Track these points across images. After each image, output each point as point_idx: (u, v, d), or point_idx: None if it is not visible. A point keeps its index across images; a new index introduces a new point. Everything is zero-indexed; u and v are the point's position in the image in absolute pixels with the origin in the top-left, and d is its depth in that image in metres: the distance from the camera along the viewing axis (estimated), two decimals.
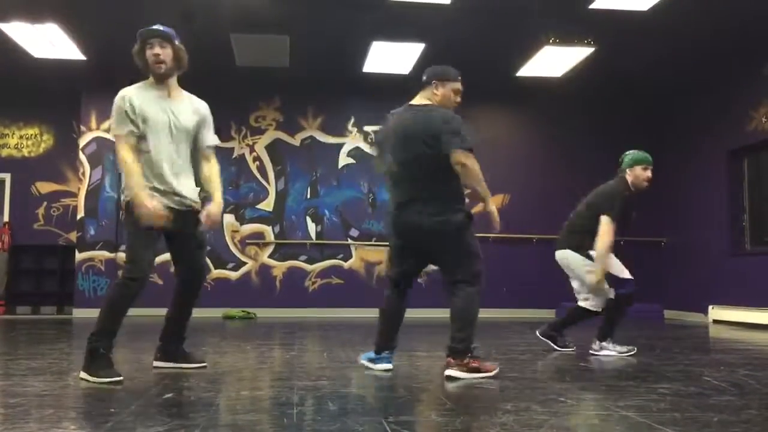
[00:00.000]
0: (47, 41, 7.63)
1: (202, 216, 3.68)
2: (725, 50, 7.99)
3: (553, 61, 8.26)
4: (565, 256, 4.88)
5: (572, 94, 9.44)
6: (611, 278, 4.68)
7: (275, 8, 6.84)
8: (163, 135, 3.56)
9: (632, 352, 4.69)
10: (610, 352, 4.69)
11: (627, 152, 4.85)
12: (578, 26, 7.27)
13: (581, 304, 4.85)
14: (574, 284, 4.91)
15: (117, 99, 3.55)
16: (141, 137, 3.53)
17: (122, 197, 3.63)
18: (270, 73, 8.78)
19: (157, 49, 3.57)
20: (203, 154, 3.79)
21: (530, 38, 7.64)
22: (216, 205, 3.73)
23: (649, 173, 4.72)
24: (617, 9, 6.74)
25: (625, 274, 4.69)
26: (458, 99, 3.92)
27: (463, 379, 3.52)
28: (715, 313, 8.30)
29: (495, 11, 6.93)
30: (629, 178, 4.73)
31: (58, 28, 7.27)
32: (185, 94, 3.77)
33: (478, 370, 3.56)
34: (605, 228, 4.54)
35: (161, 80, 3.62)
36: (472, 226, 3.68)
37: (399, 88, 9.62)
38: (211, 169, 3.82)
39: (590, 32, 7.45)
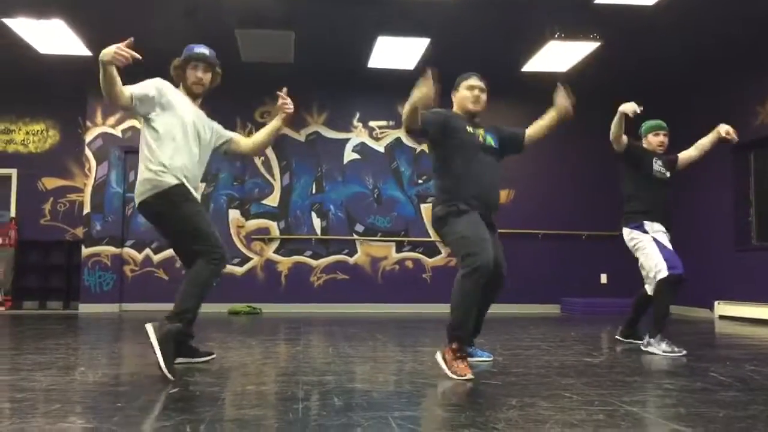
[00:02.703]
0: (53, 37, 7.65)
1: (278, 121, 4.22)
2: (731, 45, 7.96)
3: (559, 56, 8.23)
4: (624, 236, 5.01)
5: (578, 89, 9.37)
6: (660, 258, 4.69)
7: (280, 4, 6.84)
8: (190, 131, 3.73)
9: (679, 354, 4.50)
10: (654, 349, 4.59)
11: (644, 122, 5.18)
12: (584, 21, 7.24)
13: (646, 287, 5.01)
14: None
15: (157, 80, 3.72)
16: (169, 129, 3.67)
17: (150, 186, 3.64)
18: (275, 69, 8.77)
19: (201, 73, 3.82)
20: (235, 142, 4.17)
21: (535, 33, 7.63)
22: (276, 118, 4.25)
23: (660, 138, 5.05)
24: (623, 4, 6.71)
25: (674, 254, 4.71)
26: (476, 93, 3.95)
27: (437, 362, 3.64)
28: (721, 308, 8.29)
29: (500, 6, 6.92)
30: (646, 146, 5.11)
31: (63, 24, 7.29)
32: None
33: (445, 362, 3.56)
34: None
35: (193, 98, 3.87)
36: (455, 217, 3.72)
37: (404, 83, 9.65)
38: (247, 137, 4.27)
39: (596, 27, 7.42)
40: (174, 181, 3.63)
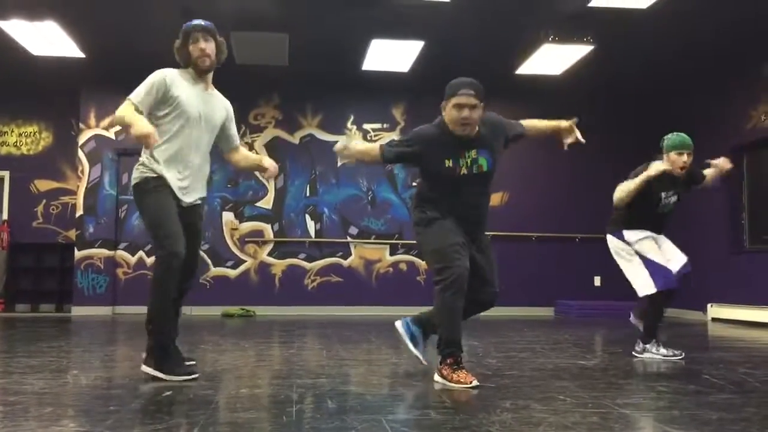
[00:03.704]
0: (46, 39, 7.62)
1: (265, 164, 3.91)
2: (724, 48, 7.99)
3: (553, 59, 8.25)
4: (608, 242, 4.75)
5: (571, 92, 9.44)
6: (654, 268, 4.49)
7: (275, 6, 6.84)
8: (193, 124, 3.62)
9: (679, 357, 4.46)
10: (653, 355, 4.50)
11: (667, 135, 4.65)
12: (577, 24, 7.26)
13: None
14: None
15: (158, 74, 3.57)
16: (169, 121, 3.56)
17: (135, 176, 3.58)
18: (269, 71, 8.78)
19: (203, 44, 3.61)
20: (233, 148, 3.96)
21: (529, 36, 7.64)
22: (267, 158, 4.01)
23: (684, 158, 4.48)
24: (616, 7, 6.73)
25: (669, 265, 4.49)
26: (464, 113, 3.41)
27: (438, 382, 3.43)
28: (714, 311, 8.31)
29: (494, 9, 6.93)
30: (665, 164, 4.53)
31: (57, 26, 7.26)
32: (215, 90, 3.83)
33: (444, 378, 3.39)
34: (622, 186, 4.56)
35: (202, 74, 3.68)
36: (425, 227, 3.59)
37: (398, 86, 9.70)
38: (243, 150, 4.06)
39: (589, 30, 7.44)
40: (152, 174, 3.52)
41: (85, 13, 7.07)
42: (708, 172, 4.87)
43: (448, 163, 3.51)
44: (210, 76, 3.75)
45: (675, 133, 4.62)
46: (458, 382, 3.32)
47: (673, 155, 4.52)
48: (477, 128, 3.55)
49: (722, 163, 4.80)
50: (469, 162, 3.53)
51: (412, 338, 3.83)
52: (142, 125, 3.30)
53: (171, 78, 3.58)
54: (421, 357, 3.81)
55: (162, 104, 3.55)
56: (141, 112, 3.47)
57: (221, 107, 3.82)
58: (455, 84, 3.51)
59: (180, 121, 3.58)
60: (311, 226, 9.45)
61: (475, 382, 3.30)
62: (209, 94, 3.75)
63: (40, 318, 8.22)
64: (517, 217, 9.56)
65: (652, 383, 3.52)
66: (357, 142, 3.64)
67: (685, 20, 7.11)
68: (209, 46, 3.63)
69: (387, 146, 3.65)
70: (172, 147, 3.56)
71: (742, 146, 8.36)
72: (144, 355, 3.48)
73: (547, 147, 9.68)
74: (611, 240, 4.75)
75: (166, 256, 3.40)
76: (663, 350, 4.52)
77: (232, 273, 9.23)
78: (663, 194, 4.56)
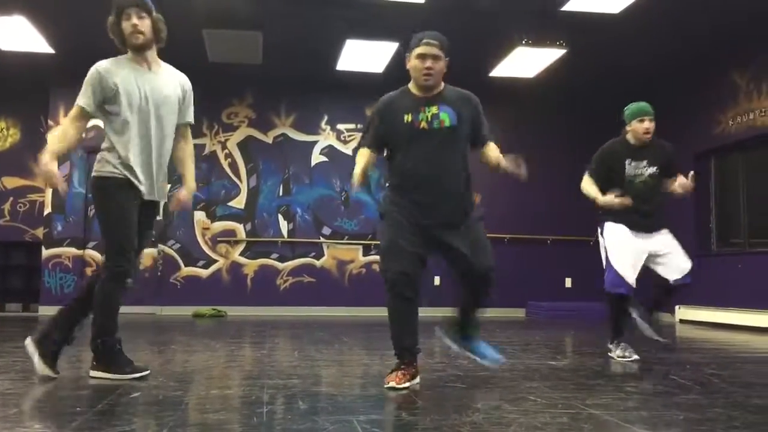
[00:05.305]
0: (15, 34, 7.49)
1: (172, 199, 3.60)
2: (694, 54, 8.12)
3: (526, 62, 8.32)
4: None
5: (545, 95, 9.52)
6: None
7: (248, 4, 6.79)
8: (139, 114, 3.42)
9: (630, 359, 4.42)
10: (612, 355, 4.52)
11: (627, 106, 4.65)
12: (550, 28, 7.33)
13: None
14: None
15: (92, 71, 3.42)
16: (117, 114, 3.39)
17: (96, 168, 3.42)
18: (243, 70, 8.72)
19: (135, 20, 3.41)
20: (180, 130, 3.67)
21: (503, 39, 7.69)
22: (187, 189, 3.68)
23: (645, 124, 4.51)
24: (589, 11, 6.80)
25: (621, 272, 4.48)
26: (427, 63, 3.38)
27: None
28: (682, 312, 8.43)
29: (469, 11, 6.96)
30: (629, 134, 4.60)
31: (26, 21, 7.14)
32: (166, 67, 3.61)
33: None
34: (582, 183, 4.59)
35: (139, 52, 3.46)
36: (381, 220, 3.48)
37: (372, 86, 9.64)
38: (186, 149, 3.72)
39: (562, 34, 7.51)
40: (108, 173, 3.37)
41: (55, 8, 6.96)
42: (674, 188, 4.72)
43: (407, 118, 3.41)
44: (152, 53, 3.53)
45: (633, 102, 4.66)
46: (388, 380, 3.22)
47: (634, 123, 4.55)
48: (441, 88, 3.54)
49: (686, 184, 4.61)
50: (429, 117, 3.42)
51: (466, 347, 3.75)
52: (44, 165, 3.27)
53: (104, 69, 3.41)
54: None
55: (108, 98, 3.39)
56: (91, 114, 3.39)
57: (174, 82, 3.57)
58: (419, 35, 3.46)
59: (127, 113, 3.39)
60: (284, 226, 9.41)
61: (391, 384, 3.16)
62: (154, 72, 3.51)
63: (7, 318, 8.08)
64: (489, 219, 9.50)
65: (621, 384, 3.56)
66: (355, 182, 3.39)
67: (656, 25, 7.22)
68: (143, 23, 3.41)
69: (362, 141, 3.58)
70: (126, 146, 3.38)
71: (711, 150, 8.49)
72: (92, 360, 3.45)
73: (519, 149, 9.75)
74: (599, 232, 4.69)
75: (117, 274, 3.35)
76: (618, 351, 4.49)
77: (204, 273, 9.15)
78: (626, 162, 4.53)
